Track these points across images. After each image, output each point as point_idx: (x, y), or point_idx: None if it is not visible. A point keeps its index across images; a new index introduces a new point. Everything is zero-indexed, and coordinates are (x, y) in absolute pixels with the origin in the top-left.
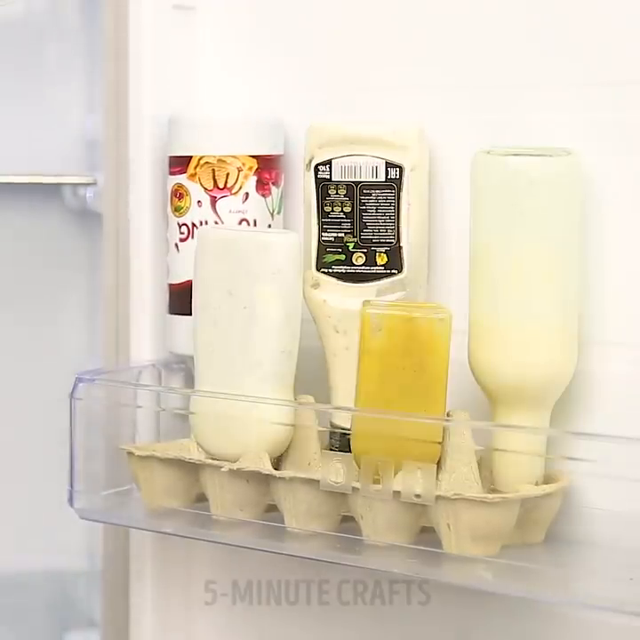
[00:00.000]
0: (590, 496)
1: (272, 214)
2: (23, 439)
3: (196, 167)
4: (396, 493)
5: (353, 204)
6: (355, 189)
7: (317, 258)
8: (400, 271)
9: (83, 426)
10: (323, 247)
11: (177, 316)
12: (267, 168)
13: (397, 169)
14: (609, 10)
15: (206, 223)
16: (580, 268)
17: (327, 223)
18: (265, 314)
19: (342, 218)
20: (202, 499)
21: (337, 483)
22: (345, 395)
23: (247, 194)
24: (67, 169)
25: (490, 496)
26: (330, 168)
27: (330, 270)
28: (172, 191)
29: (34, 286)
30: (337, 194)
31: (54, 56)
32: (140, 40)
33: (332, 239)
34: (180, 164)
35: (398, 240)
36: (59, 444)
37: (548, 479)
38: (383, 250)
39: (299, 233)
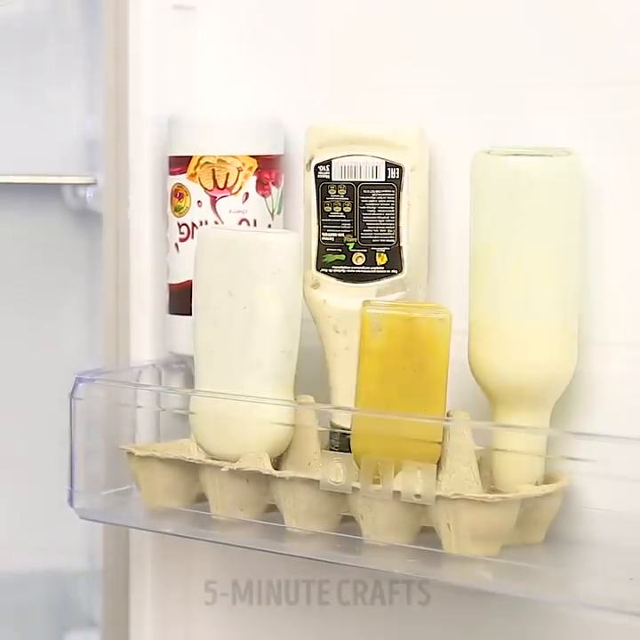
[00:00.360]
0: (590, 496)
1: (272, 214)
2: (23, 439)
3: (195, 167)
4: (396, 493)
5: (353, 203)
6: (355, 189)
7: (317, 258)
8: (400, 271)
9: (83, 426)
10: (323, 247)
11: (177, 316)
12: (267, 168)
13: (397, 169)
14: (609, 10)
15: (206, 223)
16: (580, 268)
17: (327, 223)
18: (265, 314)
19: (342, 218)
20: (202, 499)
21: (337, 483)
22: (345, 395)
23: (247, 194)
24: (67, 169)
25: (490, 496)
26: (330, 168)
27: (330, 270)
28: (171, 191)
29: (34, 286)
30: (337, 194)
31: (54, 56)
32: (140, 40)
33: (332, 239)
34: (179, 164)
35: (398, 240)
36: (59, 443)
37: (548, 479)
38: (383, 250)
39: (299, 233)
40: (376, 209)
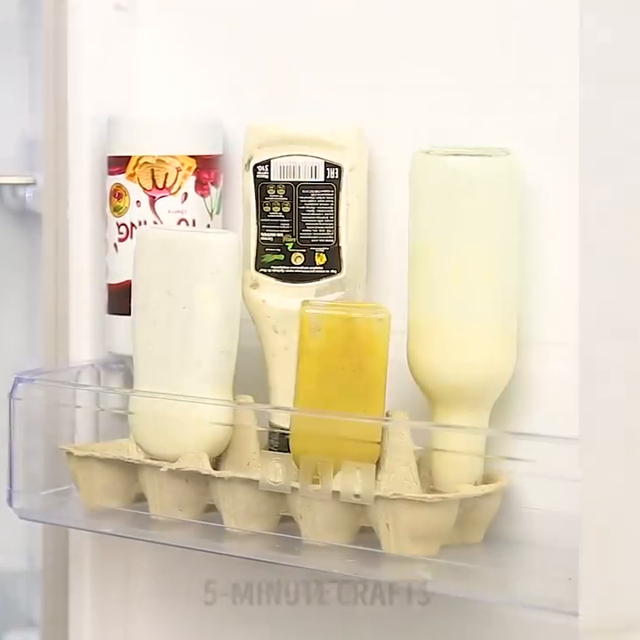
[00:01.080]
0: (529, 496)
1: (211, 214)
2: None
3: (134, 167)
4: (335, 493)
5: (292, 204)
6: (294, 189)
7: (256, 258)
8: (339, 271)
9: (22, 426)
10: (262, 247)
11: (116, 316)
12: (206, 168)
13: (336, 169)
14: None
15: (145, 223)
16: (519, 269)
17: (266, 223)
18: (204, 314)
19: (281, 218)
20: (141, 499)
21: (276, 483)
22: (284, 395)
23: (186, 194)
24: (6, 169)
25: (429, 496)
26: (269, 168)
27: (269, 270)
28: (110, 191)
29: None
30: (276, 194)
31: None
32: (80, 40)
33: (271, 239)
34: (119, 163)
35: (337, 240)
36: None
37: (487, 479)
38: (322, 250)
39: (238, 233)
40: (315, 209)
